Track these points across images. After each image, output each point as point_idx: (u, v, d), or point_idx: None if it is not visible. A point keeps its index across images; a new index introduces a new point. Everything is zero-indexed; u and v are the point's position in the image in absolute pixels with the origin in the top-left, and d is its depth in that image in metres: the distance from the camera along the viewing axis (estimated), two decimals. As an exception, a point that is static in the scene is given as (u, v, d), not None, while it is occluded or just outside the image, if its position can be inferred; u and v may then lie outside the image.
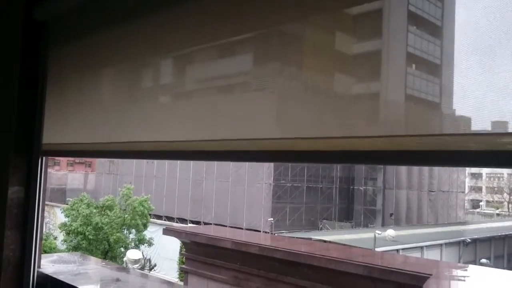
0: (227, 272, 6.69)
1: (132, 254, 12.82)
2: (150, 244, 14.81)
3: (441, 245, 16.21)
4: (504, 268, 17.06)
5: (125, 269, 2.82)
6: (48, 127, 2.26)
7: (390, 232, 15.10)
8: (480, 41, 0.96)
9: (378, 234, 13.83)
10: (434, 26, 1.08)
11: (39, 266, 2.32)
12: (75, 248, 13.04)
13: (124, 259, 13.13)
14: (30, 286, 2.28)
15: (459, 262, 16.33)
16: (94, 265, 2.59)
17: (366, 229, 19.20)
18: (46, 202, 4.23)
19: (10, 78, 2.34)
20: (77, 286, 2.01)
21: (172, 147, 1.62)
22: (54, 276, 2.19)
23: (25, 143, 2.30)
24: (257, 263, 4.76)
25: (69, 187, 27.84)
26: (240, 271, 6.32)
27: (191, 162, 21.88)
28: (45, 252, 10.71)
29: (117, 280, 2.17)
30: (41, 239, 2.37)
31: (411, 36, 1.09)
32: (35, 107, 2.30)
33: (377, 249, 12.06)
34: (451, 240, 16.98)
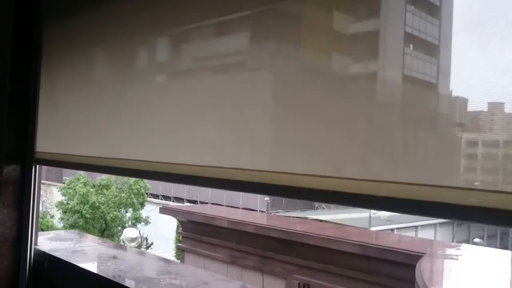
0: (224, 251, 6.75)
1: (129, 232, 12.90)
2: (147, 222, 14.90)
3: (435, 224, 16.38)
4: (496, 247, 17.28)
5: (122, 247, 2.86)
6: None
7: (385, 212, 15.23)
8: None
9: (373, 213, 13.95)
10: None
11: (36, 244, 2.34)
12: (72, 227, 13.11)
13: (121, 237, 13.21)
14: (28, 263, 2.29)
15: (452, 241, 16.54)
16: (91, 242, 2.61)
17: (362, 209, 19.31)
18: (43, 181, 4.23)
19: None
20: (74, 263, 2.02)
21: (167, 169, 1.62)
22: (51, 253, 2.20)
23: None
24: (253, 242, 4.80)
25: (65, 166, 27.72)
26: (236, 249, 6.37)
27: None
28: (42, 230, 10.75)
29: (114, 257, 2.18)
30: (37, 216, 2.38)
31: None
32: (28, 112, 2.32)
33: (372, 229, 12.17)
34: (445, 220, 17.16)
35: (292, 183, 1.22)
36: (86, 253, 2.24)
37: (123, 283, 1.75)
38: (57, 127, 2.25)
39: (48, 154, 2.28)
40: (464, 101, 0.98)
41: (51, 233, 2.77)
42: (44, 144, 2.29)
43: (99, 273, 1.88)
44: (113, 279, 1.80)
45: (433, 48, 1.09)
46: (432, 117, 1.04)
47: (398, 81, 1.10)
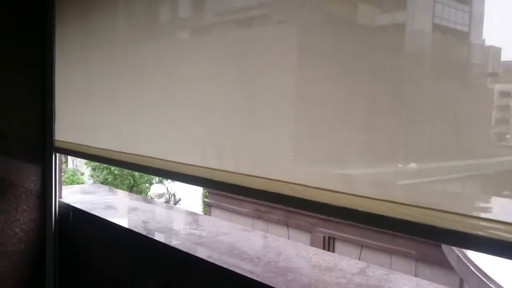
0: (249, 205, 6.82)
1: (157, 188, 13.16)
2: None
3: (464, 177, 16.15)
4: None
5: (150, 201, 2.88)
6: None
7: (412, 166, 15.06)
8: None
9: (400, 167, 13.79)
10: None
11: (60, 197, 2.36)
12: (102, 183, 13.46)
13: (149, 193, 13.51)
14: (53, 215, 2.33)
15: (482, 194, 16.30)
16: (119, 196, 2.63)
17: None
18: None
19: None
20: (97, 215, 2.04)
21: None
22: (75, 205, 2.23)
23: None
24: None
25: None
26: (261, 204, 6.43)
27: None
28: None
29: (136, 209, 2.19)
30: (60, 170, 2.40)
31: None
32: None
33: (399, 183, 12.06)
34: (474, 173, 16.87)
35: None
36: (113, 205, 2.25)
37: (143, 233, 1.75)
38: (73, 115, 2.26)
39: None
40: (497, 51, 0.93)
41: (76, 187, 2.79)
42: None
43: (121, 224, 1.89)
44: (133, 229, 1.80)
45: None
46: (464, 68, 0.97)
47: (428, 31, 1.03)
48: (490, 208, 0.97)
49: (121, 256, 1.90)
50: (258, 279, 1.31)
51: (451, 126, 0.99)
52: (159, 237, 1.73)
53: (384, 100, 1.06)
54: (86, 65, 2.14)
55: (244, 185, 1.32)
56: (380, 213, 1.05)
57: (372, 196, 1.06)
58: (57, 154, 2.36)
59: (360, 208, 1.07)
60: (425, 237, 1.02)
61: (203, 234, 1.75)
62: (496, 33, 0.94)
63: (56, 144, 2.31)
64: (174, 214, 2.34)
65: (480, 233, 0.92)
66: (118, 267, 1.92)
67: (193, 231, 1.79)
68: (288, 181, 1.21)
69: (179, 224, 1.96)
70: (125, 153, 1.83)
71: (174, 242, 1.65)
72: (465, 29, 1.01)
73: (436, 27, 1.02)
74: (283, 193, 1.22)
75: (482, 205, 0.98)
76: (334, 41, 1.15)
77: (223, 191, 1.42)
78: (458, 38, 1.02)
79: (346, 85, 1.12)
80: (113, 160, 1.89)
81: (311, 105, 1.19)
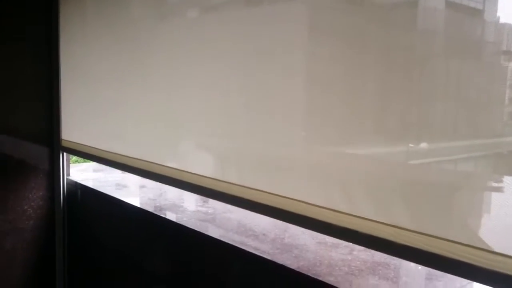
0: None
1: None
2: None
3: (475, 157, 16.04)
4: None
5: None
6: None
7: (423, 145, 14.97)
8: None
9: (411, 147, 13.73)
10: None
11: (68, 174, 2.37)
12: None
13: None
14: (61, 193, 2.34)
15: (494, 174, 16.20)
16: (126, 174, 2.63)
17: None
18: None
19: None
20: (103, 191, 2.04)
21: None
22: (83, 183, 2.23)
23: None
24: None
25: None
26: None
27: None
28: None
29: (143, 186, 2.19)
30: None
31: None
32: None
33: (410, 162, 12.02)
34: (486, 153, 16.75)
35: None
36: (117, 183, 2.25)
37: (150, 210, 1.75)
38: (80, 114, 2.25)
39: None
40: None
41: (84, 165, 2.80)
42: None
43: (128, 201, 1.89)
44: (140, 207, 1.80)
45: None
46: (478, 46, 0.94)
47: (441, 8, 0.99)
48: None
49: (128, 232, 1.91)
50: (264, 256, 1.30)
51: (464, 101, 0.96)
52: (166, 214, 1.72)
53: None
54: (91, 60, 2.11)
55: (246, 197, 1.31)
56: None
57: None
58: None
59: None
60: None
61: (210, 211, 1.75)
62: (511, 10, 0.90)
63: (63, 140, 2.32)
64: (181, 192, 2.33)
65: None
66: (125, 242, 1.92)
67: (200, 208, 1.78)
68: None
69: (187, 202, 1.95)
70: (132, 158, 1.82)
71: (181, 220, 1.65)
72: (479, 6, 0.97)
73: (449, 4, 0.99)
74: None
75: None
76: (345, 19, 1.12)
77: (226, 202, 1.40)
78: (471, 16, 0.98)
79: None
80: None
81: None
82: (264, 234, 1.48)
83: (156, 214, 1.71)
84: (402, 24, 1.03)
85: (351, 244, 1.38)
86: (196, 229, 1.54)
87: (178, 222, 1.61)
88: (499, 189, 0.96)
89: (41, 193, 2.35)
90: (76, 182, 2.28)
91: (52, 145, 2.36)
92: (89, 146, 2.11)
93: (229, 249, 1.39)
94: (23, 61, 2.27)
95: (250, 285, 1.35)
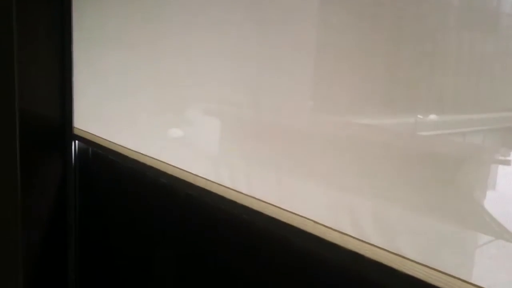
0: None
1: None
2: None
3: (484, 131, 15.94)
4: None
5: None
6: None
7: (432, 117, 14.86)
8: None
9: (420, 118, 13.65)
10: None
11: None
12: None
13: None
14: (73, 157, 2.38)
15: (503, 147, 16.12)
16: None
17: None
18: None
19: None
20: (113, 157, 2.06)
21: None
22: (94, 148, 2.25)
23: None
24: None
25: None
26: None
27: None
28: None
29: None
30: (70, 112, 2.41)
31: None
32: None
33: (419, 134, 11.97)
34: (495, 127, 16.63)
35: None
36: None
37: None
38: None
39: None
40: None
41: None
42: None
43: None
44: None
45: None
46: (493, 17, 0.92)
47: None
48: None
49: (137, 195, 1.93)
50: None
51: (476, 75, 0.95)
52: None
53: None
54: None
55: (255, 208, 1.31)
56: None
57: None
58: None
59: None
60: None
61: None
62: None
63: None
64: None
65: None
66: (135, 205, 1.96)
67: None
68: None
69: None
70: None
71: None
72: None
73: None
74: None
75: None
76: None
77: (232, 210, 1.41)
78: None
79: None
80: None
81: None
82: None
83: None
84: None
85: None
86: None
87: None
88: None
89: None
90: (87, 147, 2.29)
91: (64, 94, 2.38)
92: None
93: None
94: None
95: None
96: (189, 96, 1.59)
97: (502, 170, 0.94)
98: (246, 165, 1.37)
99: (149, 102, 1.79)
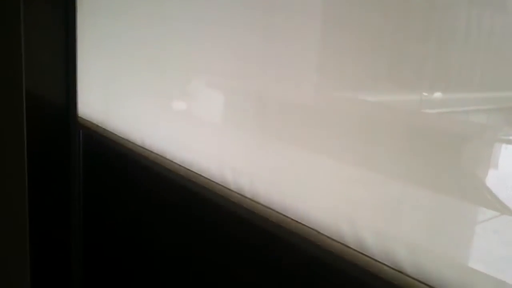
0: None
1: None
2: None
3: (488, 110, 15.79)
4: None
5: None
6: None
7: (437, 95, 14.73)
8: None
9: (425, 95, 13.55)
10: None
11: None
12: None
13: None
14: (77, 141, 2.37)
15: (507, 126, 15.97)
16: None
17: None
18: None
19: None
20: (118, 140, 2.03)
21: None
22: (98, 131, 2.24)
23: None
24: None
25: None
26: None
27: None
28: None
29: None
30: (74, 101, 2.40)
31: None
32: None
33: (423, 111, 11.86)
34: (500, 106, 16.47)
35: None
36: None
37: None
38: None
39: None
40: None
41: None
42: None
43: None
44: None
45: None
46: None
47: None
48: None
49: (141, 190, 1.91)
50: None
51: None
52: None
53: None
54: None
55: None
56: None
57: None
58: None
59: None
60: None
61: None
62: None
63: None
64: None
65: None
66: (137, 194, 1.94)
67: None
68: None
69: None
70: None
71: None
72: None
73: None
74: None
75: None
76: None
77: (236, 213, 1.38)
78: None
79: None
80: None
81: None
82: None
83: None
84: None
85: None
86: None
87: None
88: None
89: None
90: (92, 131, 2.26)
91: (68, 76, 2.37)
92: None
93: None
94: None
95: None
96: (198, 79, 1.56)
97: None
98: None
99: (153, 87, 1.76)
